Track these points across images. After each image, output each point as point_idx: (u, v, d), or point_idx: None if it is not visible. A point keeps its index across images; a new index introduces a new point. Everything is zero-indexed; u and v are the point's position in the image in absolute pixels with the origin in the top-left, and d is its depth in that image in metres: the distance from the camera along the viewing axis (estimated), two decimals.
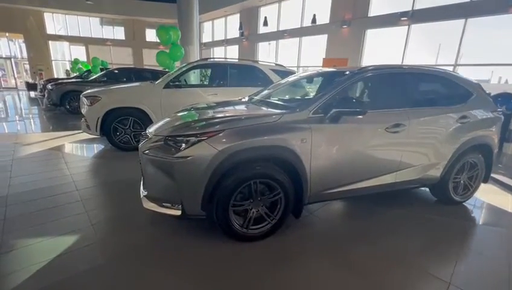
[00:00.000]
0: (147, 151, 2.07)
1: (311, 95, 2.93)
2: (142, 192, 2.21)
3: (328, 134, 2.17)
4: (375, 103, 2.66)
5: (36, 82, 14.64)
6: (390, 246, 2.19)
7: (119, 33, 20.25)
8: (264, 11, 14.05)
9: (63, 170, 3.57)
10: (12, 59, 18.77)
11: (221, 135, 1.90)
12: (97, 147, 4.88)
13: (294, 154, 2.04)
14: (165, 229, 2.28)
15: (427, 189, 3.09)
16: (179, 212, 1.98)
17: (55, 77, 16.86)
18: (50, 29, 18.58)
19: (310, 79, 3.27)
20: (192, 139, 1.90)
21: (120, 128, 4.42)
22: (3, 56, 18.84)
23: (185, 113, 2.63)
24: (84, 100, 4.45)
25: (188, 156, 1.86)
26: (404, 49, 9.06)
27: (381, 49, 10.22)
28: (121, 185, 3.14)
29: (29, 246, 2.00)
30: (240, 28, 13.66)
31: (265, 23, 11.52)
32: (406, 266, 1.95)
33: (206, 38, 19.37)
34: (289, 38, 12.75)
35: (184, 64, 5.00)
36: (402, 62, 9.11)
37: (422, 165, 2.63)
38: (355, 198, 3.02)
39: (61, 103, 8.16)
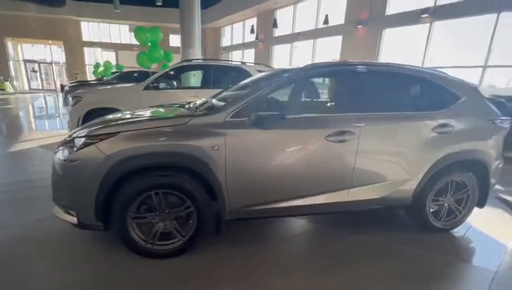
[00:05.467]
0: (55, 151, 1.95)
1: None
2: None
3: (248, 141, 1.86)
4: (314, 106, 2.27)
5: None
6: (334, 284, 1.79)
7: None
8: (280, 14, 13.78)
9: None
10: (53, 64, 20.80)
11: (113, 138, 1.70)
12: None
13: (202, 163, 1.76)
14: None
15: None
16: (75, 221, 1.82)
17: (87, 79, 18.27)
18: (85, 37, 20.25)
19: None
20: (84, 141, 1.73)
21: None
22: (47, 61, 20.99)
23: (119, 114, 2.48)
24: (70, 100, 4.58)
25: (76, 160, 1.69)
26: (426, 49, 8.15)
27: (401, 49, 9.35)
28: None
29: None
30: (252, 31, 13.53)
31: (275, 25, 11.23)
32: None
33: (226, 42, 19.61)
34: (304, 40, 12.30)
35: (170, 67, 4.95)
36: (423, 63, 8.20)
37: (384, 182, 2.17)
38: (316, 217, 2.63)
39: None
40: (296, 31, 12.75)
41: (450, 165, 2.27)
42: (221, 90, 2.87)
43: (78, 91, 4.72)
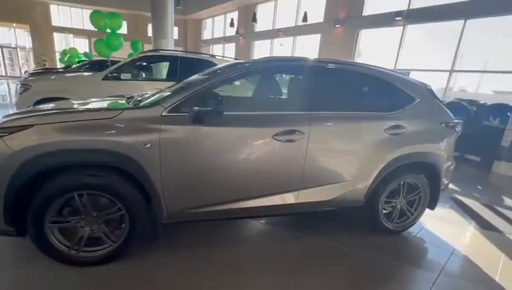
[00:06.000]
0: None
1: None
2: None
3: (187, 139, 1.70)
4: (263, 103, 2.16)
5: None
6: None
7: (122, 27, 20.35)
8: (261, 9, 13.60)
9: None
10: (18, 49, 19.24)
11: (26, 131, 1.49)
12: None
13: (132, 161, 1.59)
14: None
15: None
16: None
17: (56, 67, 17.06)
18: (55, 21, 18.88)
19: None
20: None
21: None
22: (12, 46, 19.36)
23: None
24: (18, 88, 4.17)
25: None
26: (399, 51, 8.34)
27: (378, 51, 9.54)
28: None
29: None
30: (231, 24, 13.23)
31: (254, 19, 11.05)
32: None
33: (207, 35, 19.12)
34: (284, 37, 12.22)
35: (133, 56, 4.64)
36: (395, 66, 8.40)
37: (336, 184, 2.11)
38: (268, 218, 2.54)
39: None
40: (277, 27, 12.64)
41: (402, 167, 2.25)
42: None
43: (28, 78, 4.31)
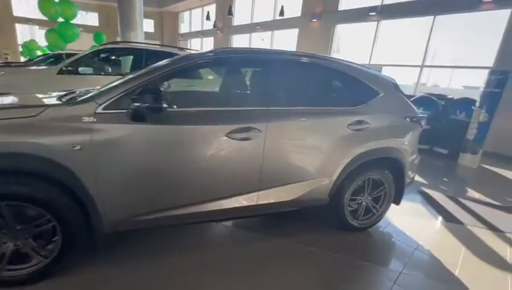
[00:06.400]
0: None
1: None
2: None
3: (127, 139, 1.52)
4: (216, 98, 2.02)
5: None
6: None
7: (93, 19, 19.19)
8: (239, 2, 13.28)
9: None
10: None
11: None
12: None
13: (59, 166, 1.39)
14: None
15: None
16: None
17: (20, 61, 15.80)
18: (17, 11, 17.47)
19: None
20: None
21: None
22: None
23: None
24: None
25: None
26: (372, 47, 8.44)
27: (356, 46, 9.61)
28: None
29: None
30: (207, 18, 12.84)
31: (230, 13, 10.76)
32: None
33: (185, 28, 18.48)
34: (261, 31, 12.03)
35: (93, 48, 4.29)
36: (369, 61, 8.51)
37: (297, 183, 2.01)
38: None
39: None
40: (255, 21, 12.41)
41: (366, 163, 2.20)
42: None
43: None
